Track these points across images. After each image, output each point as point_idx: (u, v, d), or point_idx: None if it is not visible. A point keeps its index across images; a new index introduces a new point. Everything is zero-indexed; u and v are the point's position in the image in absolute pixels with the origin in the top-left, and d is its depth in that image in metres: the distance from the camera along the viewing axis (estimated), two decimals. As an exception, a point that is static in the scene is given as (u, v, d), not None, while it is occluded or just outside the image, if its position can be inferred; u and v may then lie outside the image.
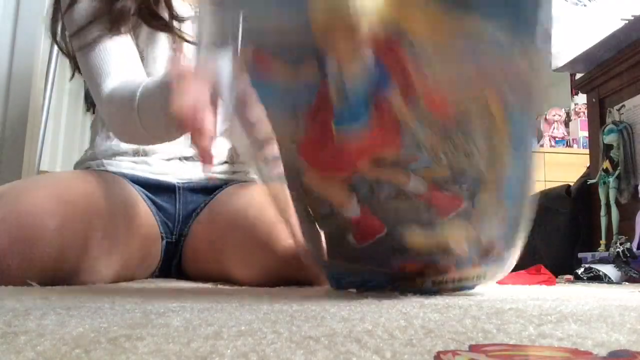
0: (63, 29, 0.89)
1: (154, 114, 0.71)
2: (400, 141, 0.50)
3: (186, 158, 0.98)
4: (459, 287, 0.59)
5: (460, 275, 0.58)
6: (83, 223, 0.73)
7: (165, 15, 0.91)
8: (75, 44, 0.86)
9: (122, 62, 0.84)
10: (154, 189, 0.94)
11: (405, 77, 0.47)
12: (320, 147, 0.52)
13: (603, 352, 0.26)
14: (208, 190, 0.99)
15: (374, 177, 0.53)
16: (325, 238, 0.59)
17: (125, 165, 0.94)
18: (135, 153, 0.96)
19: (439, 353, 0.24)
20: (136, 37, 0.91)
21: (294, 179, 0.56)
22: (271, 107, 0.53)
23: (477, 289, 0.63)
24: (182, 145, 0.95)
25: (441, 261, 0.56)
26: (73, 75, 0.96)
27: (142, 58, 0.91)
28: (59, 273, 0.69)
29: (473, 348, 0.25)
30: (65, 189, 0.75)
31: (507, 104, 0.49)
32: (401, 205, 0.53)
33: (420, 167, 0.51)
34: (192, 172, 0.98)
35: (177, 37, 0.91)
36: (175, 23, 0.91)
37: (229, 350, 0.25)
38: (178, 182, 0.97)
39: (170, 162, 0.98)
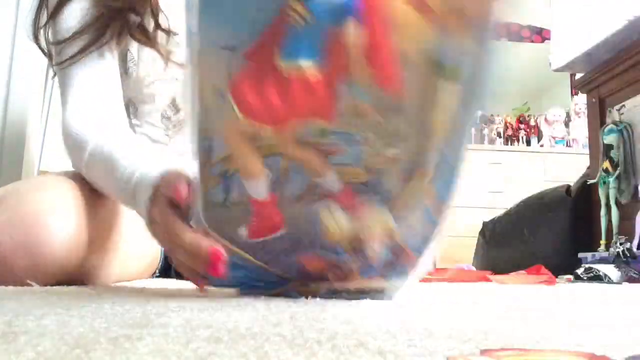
0: (45, 31, 0.86)
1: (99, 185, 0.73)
2: (336, 106, 0.46)
3: None
4: (354, 298, 0.53)
5: (362, 285, 0.53)
6: (88, 224, 0.73)
7: (151, 26, 0.85)
8: (55, 55, 0.82)
9: (90, 87, 0.80)
10: None
11: (373, 27, 0.43)
12: (256, 89, 0.46)
13: (611, 354, 0.26)
14: None
15: (291, 155, 0.48)
16: (215, 229, 0.52)
17: None
18: (155, 142, 0.91)
19: (450, 358, 0.24)
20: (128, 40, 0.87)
21: (208, 140, 0.50)
22: (208, 38, 0.46)
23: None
24: None
25: (349, 260, 0.51)
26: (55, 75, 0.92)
27: (133, 60, 0.88)
28: (63, 275, 0.69)
29: (484, 352, 0.25)
30: (70, 189, 0.75)
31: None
32: (308, 205, 0.49)
33: (342, 163, 0.48)
34: None
35: (162, 50, 0.85)
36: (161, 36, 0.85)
37: (227, 351, 0.25)
38: None
39: (184, 157, 0.93)
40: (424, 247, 0.50)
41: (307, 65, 0.44)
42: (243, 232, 0.52)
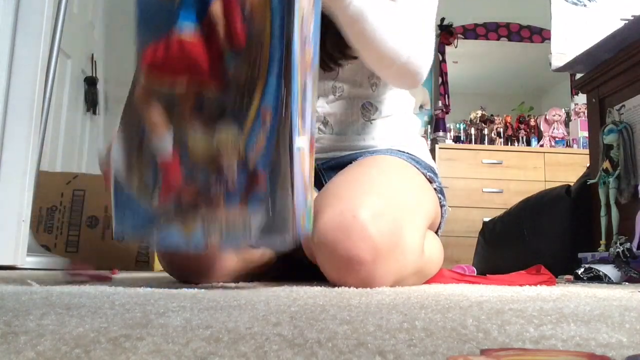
0: None
1: None
2: (221, 76, 0.60)
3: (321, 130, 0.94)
4: (228, 238, 0.60)
5: (228, 217, 0.60)
6: None
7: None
8: None
9: None
10: None
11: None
12: (162, 49, 0.60)
13: (611, 354, 0.26)
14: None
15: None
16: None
17: None
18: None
19: (450, 358, 0.24)
20: None
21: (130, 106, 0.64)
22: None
23: (469, 291, 0.62)
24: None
25: (214, 181, 0.60)
26: None
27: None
28: None
29: (484, 352, 0.25)
30: None
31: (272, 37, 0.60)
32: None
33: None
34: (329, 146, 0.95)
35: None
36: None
37: (227, 351, 0.25)
38: (322, 164, 0.94)
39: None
40: (269, 163, 0.59)
41: (188, 29, 0.60)
42: (155, 202, 0.61)
